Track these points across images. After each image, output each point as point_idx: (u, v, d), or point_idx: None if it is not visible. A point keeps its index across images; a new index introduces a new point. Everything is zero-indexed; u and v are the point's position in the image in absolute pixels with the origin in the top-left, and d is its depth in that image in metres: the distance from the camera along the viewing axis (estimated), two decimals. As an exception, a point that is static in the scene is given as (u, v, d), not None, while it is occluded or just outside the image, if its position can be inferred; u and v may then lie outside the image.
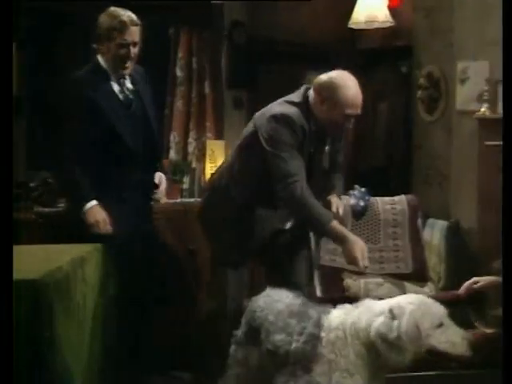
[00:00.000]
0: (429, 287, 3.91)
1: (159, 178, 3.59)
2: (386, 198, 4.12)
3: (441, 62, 4.60)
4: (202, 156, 5.11)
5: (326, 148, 3.33)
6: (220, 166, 3.58)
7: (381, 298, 2.72)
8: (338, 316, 2.63)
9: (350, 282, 3.85)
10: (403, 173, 5.12)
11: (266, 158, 3.11)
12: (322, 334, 2.60)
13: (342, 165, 3.53)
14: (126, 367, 3.41)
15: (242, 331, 2.92)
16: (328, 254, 3.94)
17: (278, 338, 2.70)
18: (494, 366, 3.41)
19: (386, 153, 5.53)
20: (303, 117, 3.13)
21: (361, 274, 4.01)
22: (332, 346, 2.57)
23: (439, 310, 2.54)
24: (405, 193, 4.22)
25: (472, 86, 4.31)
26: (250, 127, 3.29)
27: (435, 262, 4.26)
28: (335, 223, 3.09)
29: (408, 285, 3.87)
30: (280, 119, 3.10)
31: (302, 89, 3.27)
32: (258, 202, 3.28)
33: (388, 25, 5.09)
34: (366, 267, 3.12)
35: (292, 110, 3.13)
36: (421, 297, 2.65)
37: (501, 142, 4.15)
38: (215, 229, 3.39)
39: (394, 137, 5.47)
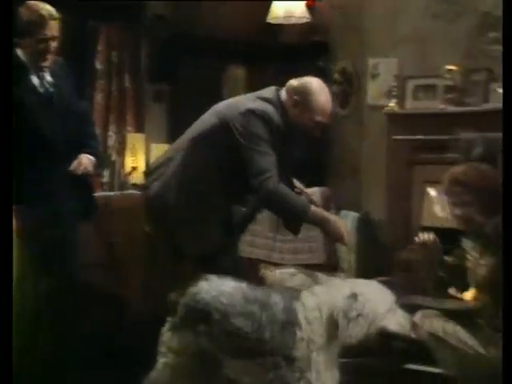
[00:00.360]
0: (340, 277, 4.01)
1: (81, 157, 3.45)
2: (300, 191, 4.20)
3: (354, 58, 4.71)
4: (122, 149, 5.09)
5: (292, 149, 3.34)
6: (162, 160, 3.39)
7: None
8: (312, 298, 2.70)
9: (266, 272, 3.92)
10: (318, 166, 5.20)
11: (238, 151, 3.07)
12: (300, 318, 2.65)
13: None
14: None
15: (179, 316, 2.90)
16: (246, 246, 4.00)
17: (243, 322, 2.69)
18: (393, 351, 3.57)
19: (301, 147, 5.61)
20: (278, 115, 3.12)
21: (276, 264, 4.12)
22: (310, 328, 2.64)
23: (390, 295, 2.68)
24: (319, 186, 4.31)
25: (382, 82, 4.43)
26: (210, 120, 3.21)
27: (347, 253, 4.36)
28: (314, 208, 3.12)
29: (320, 275, 3.96)
30: (258, 114, 3.08)
31: (273, 88, 3.25)
32: (212, 194, 3.23)
33: (305, 20, 5.18)
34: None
35: (268, 107, 3.12)
36: (378, 284, 2.77)
37: (408, 137, 4.33)
38: (168, 221, 3.29)
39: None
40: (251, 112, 3.07)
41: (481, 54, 4.03)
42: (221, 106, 3.24)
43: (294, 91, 3.14)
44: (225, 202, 3.21)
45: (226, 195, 3.20)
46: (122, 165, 5.07)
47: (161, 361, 2.82)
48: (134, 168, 5.04)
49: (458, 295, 3.34)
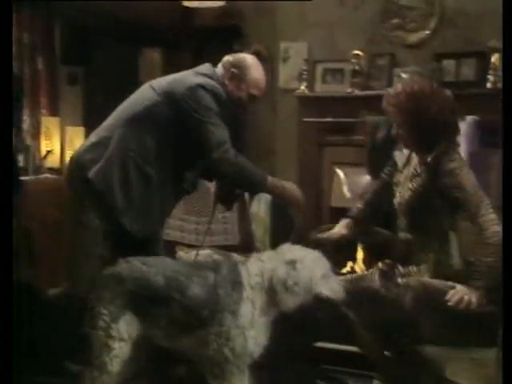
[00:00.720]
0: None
1: None
2: (216, 173, 4.24)
3: (266, 41, 4.75)
4: (36, 133, 5.02)
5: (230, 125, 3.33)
6: (95, 141, 3.22)
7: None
8: (256, 264, 2.79)
9: (182, 254, 3.96)
10: (233, 148, 5.24)
11: (191, 126, 3.04)
12: (244, 281, 2.76)
13: None
14: None
15: (120, 304, 2.82)
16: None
17: (197, 290, 2.76)
18: (303, 329, 3.68)
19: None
20: (220, 89, 3.13)
21: (191, 246, 4.16)
22: (252, 292, 2.75)
23: (326, 262, 2.80)
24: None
25: (293, 66, 4.50)
26: (150, 97, 3.13)
27: (262, 234, 4.45)
28: (270, 178, 3.19)
29: (235, 255, 4.03)
30: (207, 88, 3.06)
31: (208, 64, 3.26)
32: (157, 173, 3.14)
33: (219, 4, 5.21)
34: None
35: (212, 81, 3.13)
36: (315, 252, 2.88)
37: (318, 119, 4.43)
38: (110, 203, 3.13)
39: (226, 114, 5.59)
40: (201, 86, 3.05)
41: (384, 40, 4.15)
42: (161, 83, 3.17)
43: (231, 65, 3.19)
44: (170, 181, 3.17)
45: (171, 174, 3.16)
46: (37, 149, 5.00)
47: (110, 355, 2.80)
48: (49, 151, 4.98)
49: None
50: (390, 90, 3.11)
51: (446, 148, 2.95)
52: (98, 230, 3.09)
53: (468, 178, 2.93)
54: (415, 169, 3.04)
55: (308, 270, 2.77)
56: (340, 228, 3.33)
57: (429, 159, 2.95)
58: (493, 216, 2.90)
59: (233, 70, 3.22)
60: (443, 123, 2.96)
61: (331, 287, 2.79)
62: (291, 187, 3.22)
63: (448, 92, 3.07)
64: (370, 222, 3.35)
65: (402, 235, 3.09)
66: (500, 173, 3.53)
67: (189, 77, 3.16)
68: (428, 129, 2.94)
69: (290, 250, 2.88)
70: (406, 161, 3.13)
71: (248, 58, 3.32)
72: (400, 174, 3.12)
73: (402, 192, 3.06)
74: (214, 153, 3.04)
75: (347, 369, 3.98)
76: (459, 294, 2.91)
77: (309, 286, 2.75)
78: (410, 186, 3.02)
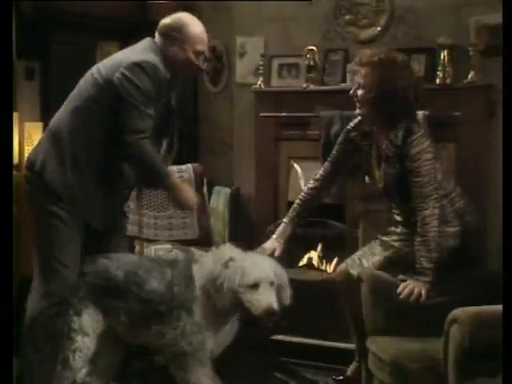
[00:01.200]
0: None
1: None
2: (174, 167, 4.21)
3: (223, 37, 4.75)
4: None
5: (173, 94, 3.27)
6: (47, 137, 3.16)
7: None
8: (201, 262, 2.92)
9: (141, 249, 3.98)
10: (191, 143, 5.26)
11: (118, 108, 2.96)
12: (196, 278, 2.88)
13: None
14: None
15: (83, 296, 2.87)
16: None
17: (155, 285, 2.86)
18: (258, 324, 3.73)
19: (176, 123, 5.65)
20: (162, 64, 3.04)
21: (151, 241, 4.18)
22: (202, 291, 2.86)
23: (263, 273, 2.84)
24: (192, 162, 4.38)
25: (249, 61, 4.51)
26: (92, 84, 3.05)
27: (220, 228, 4.48)
28: (173, 178, 3.14)
29: (195, 250, 4.05)
30: (143, 66, 2.96)
31: (148, 38, 3.20)
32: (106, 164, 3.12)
33: (176, -2, 5.23)
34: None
35: (152, 57, 3.04)
36: (261, 258, 2.99)
37: (274, 114, 4.46)
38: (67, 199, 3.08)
39: (183, 108, 5.57)
40: (136, 65, 2.97)
41: (337, 36, 4.20)
42: (100, 67, 3.10)
43: (169, 28, 3.14)
44: (119, 172, 3.13)
45: (119, 164, 3.11)
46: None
47: (71, 348, 2.87)
48: (7, 148, 4.93)
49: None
50: (366, 50, 3.17)
51: (409, 124, 3.02)
52: (61, 226, 3.05)
53: (426, 165, 3.00)
54: (385, 151, 3.09)
55: (239, 273, 2.82)
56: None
57: (397, 141, 3.02)
58: (436, 211, 2.98)
59: (172, 33, 3.14)
60: (411, 95, 3.02)
61: (258, 299, 2.82)
62: (188, 193, 3.16)
63: (415, 65, 3.09)
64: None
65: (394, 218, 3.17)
66: (453, 166, 3.63)
67: (126, 55, 3.10)
68: (395, 96, 2.99)
69: (230, 251, 2.95)
70: (371, 143, 3.18)
71: (183, 16, 3.24)
72: (369, 158, 3.19)
73: (381, 175, 3.14)
74: (126, 136, 2.97)
75: (305, 361, 4.07)
76: (410, 286, 2.99)
77: (234, 290, 2.81)
78: (387, 169, 3.09)
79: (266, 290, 2.85)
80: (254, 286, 2.83)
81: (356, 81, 3.10)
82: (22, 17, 5.10)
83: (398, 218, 3.22)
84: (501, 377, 2.47)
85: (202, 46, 3.16)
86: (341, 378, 3.67)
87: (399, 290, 3.00)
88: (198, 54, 3.14)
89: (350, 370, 3.65)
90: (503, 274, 2.20)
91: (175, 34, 3.11)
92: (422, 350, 2.80)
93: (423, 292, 2.95)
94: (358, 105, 3.10)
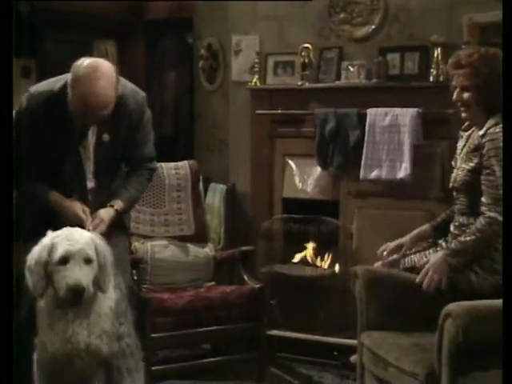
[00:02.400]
0: (209, 247, 4.10)
1: None
2: (171, 164, 4.21)
3: (219, 35, 4.74)
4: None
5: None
6: None
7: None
8: None
9: (137, 244, 3.95)
10: (188, 140, 5.27)
11: None
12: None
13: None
14: None
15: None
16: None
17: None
18: (256, 318, 3.75)
19: (173, 122, 5.65)
20: (54, 100, 2.95)
21: (147, 237, 4.16)
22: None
23: (74, 247, 2.55)
24: (188, 159, 4.37)
25: (245, 58, 4.49)
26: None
27: (216, 224, 4.47)
28: (53, 193, 3.02)
29: (190, 246, 4.05)
30: (31, 98, 3.01)
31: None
32: None
33: (172, -3, 5.25)
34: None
35: (45, 90, 3.00)
36: (77, 232, 2.66)
37: (269, 111, 4.45)
38: None
39: (180, 106, 5.60)
40: (29, 95, 3.00)
41: (332, 34, 4.19)
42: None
43: (71, 70, 2.87)
44: None
45: None
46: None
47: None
48: (4, 145, 4.92)
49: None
50: (460, 52, 3.01)
51: (499, 119, 2.84)
52: None
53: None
54: (470, 146, 2.96)
55: (48, 248, 2.59)
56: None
57: (481, 132, 2.87)
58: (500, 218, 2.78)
59: (71, 77, 2.86)
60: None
61: (64, 275, 2.52)
62: (73, 203, 3.00)
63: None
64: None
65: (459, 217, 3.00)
66: (440, 164, 3.62)
67: (41, 84, 3.07)
68: (496, 94, 2.80)
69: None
70: (466, 141, 3.05)
71: (81, 68, 2.83)
72: (457, 158, 3.06)
73: (458, 172, 3.00)
74: None
75: (300, 356, 4.07)
76: (429, 274, 2.90)
77: (43, 267, 2.58)
78: (464, 165, 2.94)
79: (77, 266, 2.52)
80: (64, 261, 2.54)
81: (457, 84, 2.94)
82: (18, 16, 5.10)
83: (459, 219, 3.04)
84: (494, 371, 2.49)
85: (83, 108, 2.86)
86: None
87: (419, 278, 2.91)
88: (82, 113, 2.91)
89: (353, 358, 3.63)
90: (503, 273, 2.19)
91: (70, 80, 2.90)
92: (414, 345, 2.80)
93: (444, 279, 2.85)
94: (463, 109, 2.96)
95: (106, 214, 3.05)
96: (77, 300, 2.54)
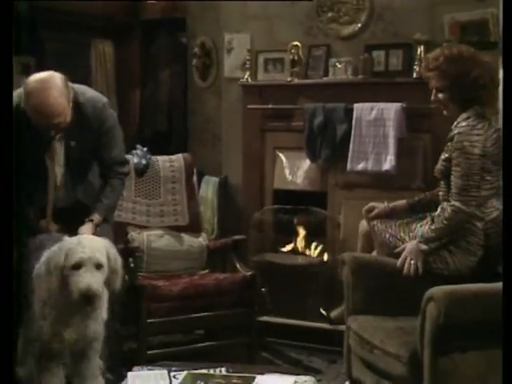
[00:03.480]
0: (203, 237, 4.11)
1: None
2: (166, 157, 4.22)
3: (211, 34, 4.73)
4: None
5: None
6: None
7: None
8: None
9: (134, 234, 3.94)
10: (182, 135, 5.26)
11: None
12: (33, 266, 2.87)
13: None
14: None
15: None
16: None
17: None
18: (247, 304, 3.76)
19: (167, 117, 5.65)
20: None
21: (143, 227, 4.16)
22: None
23: (87, 254, 2.71)
24: (182, 152, 4.36)
25: (237, 56, 4.48)
26: None
27: (209, 215, 4.47)
28: None
29: (185, 235, 4.05)
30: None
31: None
32: None
33: (166, -2, 5.26)
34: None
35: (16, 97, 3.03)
36: (90, 239, 2.84)
37: (260, 106, 4.46)
38: None
39: (174, 102, 5.59)
40: None
41: (320, 32, 4.19)
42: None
43: (22, 87, 3.00)
44: None
45: None
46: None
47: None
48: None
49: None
50: (430, 55, 3.09)
51: (471, 113, 2.91)
52: None
53: (467, 158, 2.84)
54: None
55: (64, 253, 2.73)
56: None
57: (452, 126, 2.94)
58: (463, 207, 2.88)
59: (23, 93, 2.96)
60: (483, 86, 2.92)
61: (77, 280, 2.68)
62: None
63: (487, 57, 3.03)
64: None
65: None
66: (423, 156, 3.63)
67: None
68: (468, 91, 2.91)
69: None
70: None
71: (29, 83, 2.96)
72: None
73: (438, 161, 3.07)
74: None
75: (289, 341, 4.08)
76: (407, 260, 2.98)
77: (60, 271, 2.73)
78: (442, 155, 3.01)
79: (88, 272, 2.71)
80: (77, 267, 2.72)
81: (431, 86, 3.03)
82: (18, 15, 5.08)
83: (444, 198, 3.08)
84: (472, 352, 2.51)
85: (41, 119, 2.97)
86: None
87: (398, 263, 3.00)
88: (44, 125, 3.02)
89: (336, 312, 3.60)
90: (503, 272, 2.17)
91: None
92: (399, 328, 2.82)
93: (419, 264, 2.95)
94: (442, 108, 3.03)
95: (86, 229, 3.16)
96: (88, 302, 2.74)
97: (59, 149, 3.19)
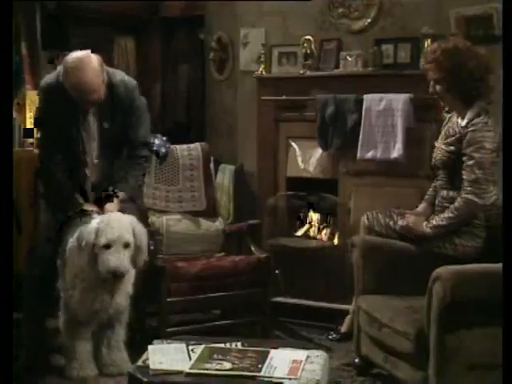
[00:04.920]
0: (219, 221, 4.10)
1: None
2: (184, 146, 4.21)
3: (228, 29, 4.70)
4: (22, 107, 4.94)
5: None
6: None
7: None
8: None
9: (154, 218, 3.94)
10: (200, 125, 5.24)
11: None
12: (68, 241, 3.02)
13: None
14: None
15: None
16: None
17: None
18: (261, 285, 3.75)
19: (186, 109, 5.62)
20: (57, 87, 3.17)
21: (163, 212, 4.16)
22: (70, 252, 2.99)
23: (115, 234, 2.80)
24: (200, 142, 4.35)
25: (252, 50, 4.46)
26: None
27: (226, 201, 4.46)
28: None
29: (202, 220, 4.05)
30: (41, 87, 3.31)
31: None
32: None
33: (185, -4, 5.23)
34: None
35: (51, 79, 3.25)
36: (118, 218, 2.92)
37: (274, 97, 4.44)
38: None
39: (192, 94, 5.57)
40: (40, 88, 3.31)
41: (331, 27, 4.15)
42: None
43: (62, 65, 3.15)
44: None
45: None
46: (23, 121, 4.92)
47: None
48: (32, 125, 4.91)
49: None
50: (428, 48, 3.11)
51: (479, 111, 2.91)
52: None
53: (481, 152, 2.84)
54: (449, 130, 3.02)
55: (94, 233, 2.82)
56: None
57: (463, 122, 2.93)
58: (476, 199, 2.88)
59: (62, 70, 3.12)
60: (479, 79, 2.93)
61: (107, 258, 2.77)
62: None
63: (482, 50, 3.04)
64: None
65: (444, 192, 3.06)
66: (430, 145, 3.58)
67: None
68: (465, 83, 2.91)
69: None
70: (446, 122, 3.12)
71: (69, 61, 3.10)
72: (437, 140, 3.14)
73: (437, 151, 3.07)
74: None
75: (301, 321, 4.07)
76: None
77: (91, 248, 2.82)
78: (443, 146, 3.01)
79: (116, 252, 2.79)
80: (107, 247, 2.81)
81: (429, 79, 3.03)
82: (46, 13, 5.09)
83: (443, 193, 3.09)
84: (477, 329, 2.49)
85: (78, 95, 3.10)
86: (336, 336, 3.69)
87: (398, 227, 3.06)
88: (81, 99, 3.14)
89: (344, 326, 3.66)
90: (503, 271, 2.16)
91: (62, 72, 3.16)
92: (407, 307, 2.81)
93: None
94: (440, 100, 3.04)
95: (112, 206, 3.22)
96: (116, 280, 2.85)
97: (93, 124, 3.28)
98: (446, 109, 3.14)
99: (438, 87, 2.99)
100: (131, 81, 3.35)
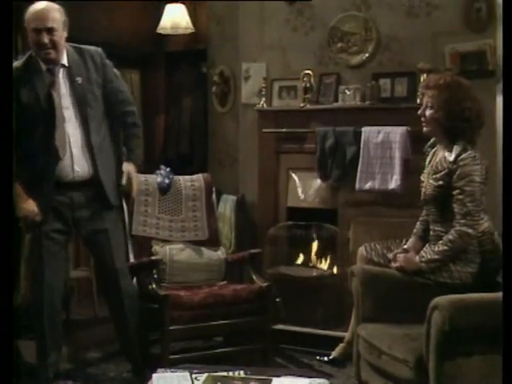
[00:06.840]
0: (221, 250, 4.10)
1: None
2: (187, 177, 4.23)
3: (230, 63, 4.78)
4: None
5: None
6: None
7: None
8: None
9: (157, 248, 3.95)
10: (202, 156, 5.29)
11: None
12: None
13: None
14: None
15: None
16: (139, 225, 4.01)
17: None
18: (262, 313, 3.75)
19: (189, 140, 5.68)
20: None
21: (166, 241, 4.17)
22: None
23: None
24: (202, 173, 4.38)
25: (253, 83, 4.52)
26: None
27: (227, 230, 4.48)
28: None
29: (204, 249, 4.05)
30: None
31: None
32: None
33: (189, 31, 5.31)
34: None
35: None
36: None
37: (275, 130, 4.49)
38: None
39: (195, 126, 5.63)
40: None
41: (330, 62, 4.22)
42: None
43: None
44: None
45: None
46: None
47: None
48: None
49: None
50: (433, 76, 3.18)
51: (465, 145, 2.95)
52: None
53: (471, 186, 2.88)
54: (437, 165, 3.04)
55: None
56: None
57: (451, 157, 2.96)
58: (469, 231, 2.91)
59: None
60: (468, 120, 2.96)
61: None
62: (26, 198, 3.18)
63: (479, 95, 3.07)
64: None
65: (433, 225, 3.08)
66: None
67: None
68: (460, 116, 2.94)
69: None
70: (431, 157, 3.15)
71: (31, 7, 3.15)
72: (424, 173, 3.17)
73: (426, 186, 3.09)
74: None
75: (301, 348, 4.06)
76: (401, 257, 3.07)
77: None
78: (432, 181, 3.03)
79: None
80: None
81: (424, 102, 3.06)
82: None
83: (434, 227, 3.10)
84: (476, 357, 2.49)
85: (38, 23, 3.09)
86: (327, 359, 3.70)
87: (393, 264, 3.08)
88: (36, 30, 3.10)
89: (335, 352, 3.66)
90: (503, 271, 2.18)
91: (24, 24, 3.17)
92: (405, 335, 2.81)
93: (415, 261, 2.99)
94: (424, 123, 3.06)
95: (129, 167, 3.31)
96: None
97: (62, 86, 3.21)
98: (430, 142, 3.19)
99: (428, 112, 3.03)
100: (98, 48, 3.46)
